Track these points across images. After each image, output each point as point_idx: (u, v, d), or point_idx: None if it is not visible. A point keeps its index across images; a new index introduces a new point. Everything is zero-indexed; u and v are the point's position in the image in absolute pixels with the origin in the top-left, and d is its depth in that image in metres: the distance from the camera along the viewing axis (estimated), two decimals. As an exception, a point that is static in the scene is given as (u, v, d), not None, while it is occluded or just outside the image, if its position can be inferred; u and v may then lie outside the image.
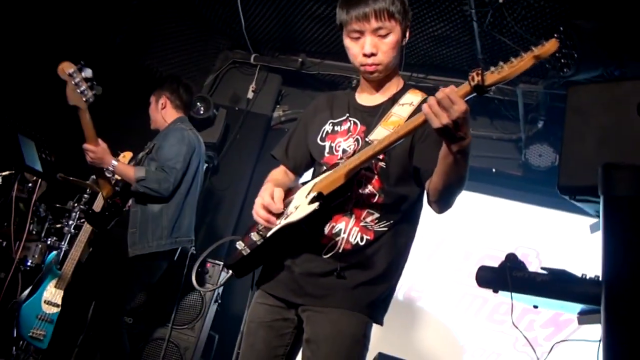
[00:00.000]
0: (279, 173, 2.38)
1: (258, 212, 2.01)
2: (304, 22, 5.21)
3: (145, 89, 4.25)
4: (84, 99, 3.15)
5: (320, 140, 2.20)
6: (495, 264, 2.53)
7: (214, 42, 6.00)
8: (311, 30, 5.31)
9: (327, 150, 2.17)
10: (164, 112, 3.99)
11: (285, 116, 6.02)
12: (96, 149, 3.44)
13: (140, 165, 3.76)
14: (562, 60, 3.48)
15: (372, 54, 2.03)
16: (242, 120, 5.90)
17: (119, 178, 3.69)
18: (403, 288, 4.87)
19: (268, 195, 2.02)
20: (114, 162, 3.53)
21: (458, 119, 1.58)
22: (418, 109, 2.00)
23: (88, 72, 3.12)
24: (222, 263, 4.40)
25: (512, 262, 2.39)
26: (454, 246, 5.06)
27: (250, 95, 5.95)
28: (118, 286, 3.55)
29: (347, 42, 2.09)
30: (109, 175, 3.59)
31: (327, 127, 2.21)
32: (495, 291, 2.46)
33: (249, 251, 2.05)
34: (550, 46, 1.53)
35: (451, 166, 1.75)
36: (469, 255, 4.99)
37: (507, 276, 2.34)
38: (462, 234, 5.04)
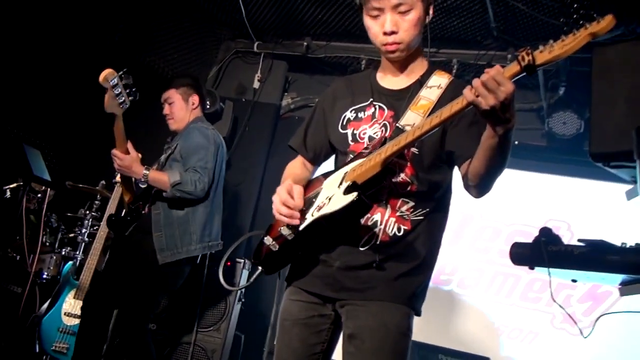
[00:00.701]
0: (297, 166, 2.37)
1: (279, 210, 1.99)
2: (307, 4, 5.20)
3: (147, 87, 4.24)
4: (121, 107, 3.21)
5: (342, 128, 2.18)
6: (525, 240, 2.53)
7: (215, 33, 6.01)
8: (314, 12, 5.30)
9: (350, 138, 2.15)
10: (193, 112, 3.97)
11: (294, 103, 6.02)
12: (124, 157, 3.47)
13: (164, 168, 3.76)
14: (581, 21, 3.45)
15: (393, 32, 2.01)
16: (250, 112, 5.91)
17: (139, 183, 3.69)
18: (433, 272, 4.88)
19: (285, 192, 2.01)
20: (145, 172, 3.52)
21: (505, 100, 1.59)
22: (447, 92, 2.03)
23: (129, 79, 3.18)
24: (242, 261, 4.43)
25: (547, 236, 2.39)
26: (480, 224, 5.05)
27: (256, 85, 5.96)
28: (142, 293, 3.57)
29: (367, 21, 2.07)
30: (140, 181, 3.57)
31: (349, 114, 2.19)
32: (532, 268, 2.46)
33: (278, 247, 2.04)
34: (607, 23, 1.50)
35: (495, 149, 1.75)
36: (498, 232, 4.98)
37: (542, 251, 2.34)
38: (488, 211, 5.03)
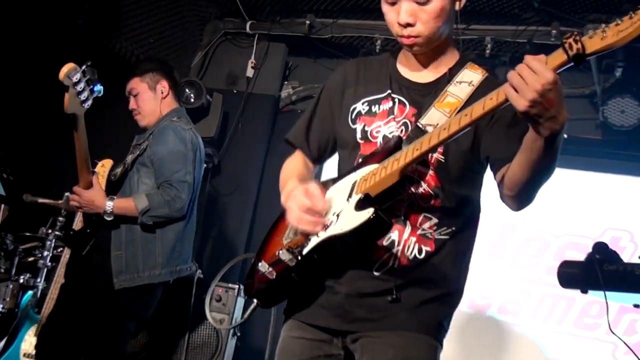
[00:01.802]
0: (299, 163, 2.35)
1: (303, 219, 1.97)
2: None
3: (117, 78, 4.26)
4: (83, 106, 3.22)
5: (352, 122, 2.18)
6: (579, 255, 2.53)
7: (199, 12, 6.03)
8: (318, -16, 5.33)
9: (359, 135, 2.14)
10: (164, 102, 3.93)
11: (296, 94, 6.04)
12: (82, 192, 3.55)
13: (129, 172, 3.77)
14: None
15: (408, 24, 1.99)
16: (243, 106, 5.93)
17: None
18: (467, 295, 4.87)
19: (304, 195, 1.99)
20: (109, 203, 3.55)
21: (545, 93, 1.56)
22: (480, 91, 2.00)
23: (93, 74, 3.20)
24: (236, 287, 4.43)
25: (602, 253, 2.38)
26: (524, 236, 5.03)
27: (250, 73, 5.97)
28: (105, 327, 3.56)
29: (384, 6, 2.07)
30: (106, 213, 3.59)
31: (360, 106, 2.18)
32: (584, 291, 2.46)
33: (276, 274, 2.03)
34: None
35: (539, 153, 1.72)
36: (545, 245, 4.96)
37: (597, 271, 2.34)
38: (533, 219, 5.01)
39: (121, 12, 5.29)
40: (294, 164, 2.36)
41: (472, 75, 2.07)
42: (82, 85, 3.15)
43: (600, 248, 2.44)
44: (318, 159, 2.36)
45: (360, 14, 5.48)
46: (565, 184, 4.90)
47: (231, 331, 4.42)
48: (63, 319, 3.67)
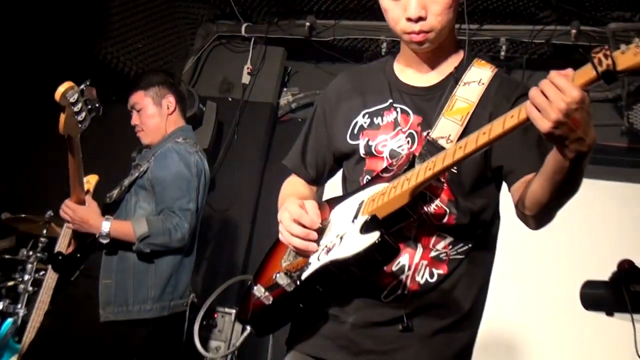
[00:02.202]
0: (298, 183, 2.37)
1: (291, 229, 1.96)
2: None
3: (103, 87, 4.25)
4: (79, 126, 3.19)
5: (351, 138, 2.16)
6: (603, 274, 2.51)
7: (190, 14, 6.04)
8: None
9: (363, 151, 2.13)
10: (170, 118, 3.92)
11: (296, 102, 6.04)
12: (77, 208, 3.50)
13: (127, 195, 3.74)
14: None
15: (420, 18, 1.97)
16: (239, 115, 5.93)
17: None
18: (490, 324, 4.85)
19: (297, 207, 1.99)
20: (106, 224, 3.51)
21: (571, 113, 1.52)
22: (491, 90, 2.01)
23: (92, 93, 3.18)
24: (233, 312, 4.42)
25: (628, 272, 2.36)
26: (540, 250, 4.99)
27: (246, 79, 5.99)
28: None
29: (385, 2, 2.05)
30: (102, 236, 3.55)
31: (361, 120, 2.16)
32: (610, 314, 2.44)
33: (272, 300, 2.02)
34: None
35: (563, 176, 1.70)
36: (566, 262, 4.92)
37: (623, 292, 2.31)
38: (551, 232, 4.97)
39: (106, 16, 5.29)
40: (293, 183, 2.37)
41: (480, 73, 2.06)
42: (79, 105, 3.12)
43: (627, 266, 2.41)
44: (317, 181, 2.37)
45: (364, 14, 5.49)
46: (589, 196, 4.87)
47: (228, 358, 4.40)
48: (46, 350, 3.65)
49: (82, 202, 3.55)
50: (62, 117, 3.14)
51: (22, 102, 5.36)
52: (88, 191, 3.71)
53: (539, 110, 1.55)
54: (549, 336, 4.90)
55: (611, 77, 1.51)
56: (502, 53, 5.14)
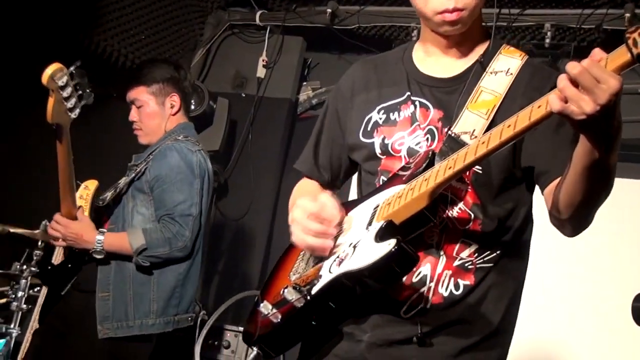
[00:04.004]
0: (312, 185, 2.40)
1: (308, 226, 1.98)
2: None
3: (101, 82, 4.28)
4: (70, 114, 3.22)
5: (365, 135, 2.19)
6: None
7: (198, 1, 6.09)
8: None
9: (379, 149, 2.15)
10: (173, 118, 3.95)
11: (316, 97, 6.04)
12: (68, 223, 3.57)
13: (123, 197, 3.78)
14: None
15: None
16: (253, 112, 5.97)
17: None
18: (524, 342, 4.85)
19: (311, 201, 2.01)
20: (99, 238, 3.57)
21: (608, 104, 1.50)
22: (521, 81, 2.02)
23: (83, 77, 3.20)
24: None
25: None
26: (598, 265, 4.99)
27: (261, 73, 6.03)
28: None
29: None
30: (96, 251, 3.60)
31: (376, 116, 2.18)
32: (665, 330, 2.44)
33: (281, 317, 2.02)
34: None
35: (596, 168, 1.70)
36: (602, 271, 4.91)
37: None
38: (607, 243, 4.97)
39: (105, 4, 5.34)
40: (306, 185, 2.41)
41: (508, 62, 2.07)
42: (69, 90, 3.13)
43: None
44: (332, 183, 2.39)
45: (391, -1, 5.51)
46: (621, 195, 4.88)
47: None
48: None
49: (72, 215, 3.60)
50: (50, 102, 3.15)
51: (13, 101, 5.42)
52: (80, 207, 3.74)
53: (573, 102, 1.52)
54: (593, 356, 4.92)
55: None
56: (547, 40, 5.13)
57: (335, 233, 1.99)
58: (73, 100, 3.18)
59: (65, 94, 3.13)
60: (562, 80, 1.53)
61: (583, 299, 4.98)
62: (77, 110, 3.24)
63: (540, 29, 5.17)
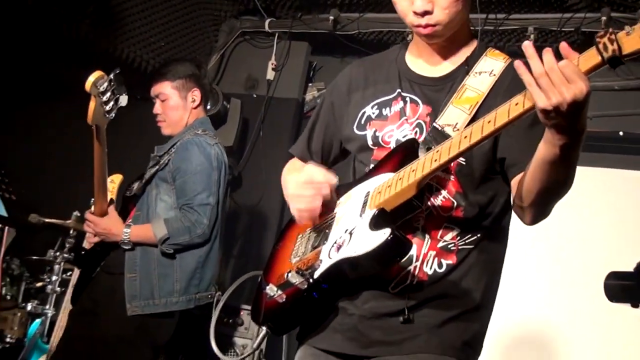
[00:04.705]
0: (299, 164, 2.40)
1: (303, 194, 2.02)
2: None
3: (128, 87, 4.30)
4: (107, 116, 3.30)
5: (358, 128, 2.20)
6: (630, 266, 2.52)
7: (213, 10, 6.10)
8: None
9: (371, 141, 2.16)
10: (194, 111, 3.99)
11: (321, 97, 6.03)
12: (98, 221, 3.65)
13: (147, 187, 3.81)
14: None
15: (426, 12, 1.98)
16: (264, 111, 5.99)
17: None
18: (511, 319, 4.85)
19: (301, 174, 2.05)
20: (126, 231, 3.63)
21: (574, 102, 1.53)
22: (503, 81, 2.01)
23: (120, 83, 3.26)
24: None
25: (654, 262, 2.37)
26: (566, 240, 4.98)
27: (270, 75, 6.04)
28: (120, 356, 3.59)
29: None
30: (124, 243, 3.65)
31: (369, 110, 2.19)
32: (635, 305, 2.44)
33: (285, 298, 2.03)
34: None
35: (556, 162, 1.70)
36: (594, 253, 4.88)
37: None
38: (582, 227, 4.96)
39: (127, 14, 5.36)
40: (294, 164, 2.43)
41: (492, 64, 2.07)
42: (108, 95, 3.21)
43: (652, 256, 2.42)
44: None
45: (388, 6, 5.41)
46: (620, 187, 4.86)
47: (255, 355, 4.44)
48: (74, 349, 3.70)
49: (104, 210, 3.68)
50: (91, 106, 3.24)
51: (45, 105, 5.44)
52: (112, 201, 3.79)
53: (542, 91, 1.54)
54: (574, 330, 4.92)
55: (617, 62, 1.50)
56: (531, 42, 5.10)
57: (328, 192, 2.01)
58: (111, 104, 3.25)
59: (104, 98, 3.20)
60: (538, 70, 1.56)
61: (558, 279, 5.00)
62: (114, 113, 3.30)
63: (524, 32, 5.15)
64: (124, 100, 3.31)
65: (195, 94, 3.97)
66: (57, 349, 4.04)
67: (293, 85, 6.07)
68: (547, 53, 1.56)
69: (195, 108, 3.98)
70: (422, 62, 2.19)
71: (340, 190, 2.14)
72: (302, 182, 2.03)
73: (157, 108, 3.95)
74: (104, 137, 3.39)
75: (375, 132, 2.15)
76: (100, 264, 3.73)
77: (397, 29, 5.52)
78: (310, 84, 6.17)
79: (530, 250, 4.79)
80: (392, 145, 2.10)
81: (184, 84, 3.95)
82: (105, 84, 3.17)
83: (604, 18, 4.82)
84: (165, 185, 3.76)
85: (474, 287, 2.05)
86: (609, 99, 5.05)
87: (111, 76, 3.19)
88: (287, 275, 2.02)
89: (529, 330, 4.98)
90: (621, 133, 5.04)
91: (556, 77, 1.53)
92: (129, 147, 5.29)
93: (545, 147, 1.70)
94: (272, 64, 6.04)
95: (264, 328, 2.10)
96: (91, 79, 3.13)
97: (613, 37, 1.48)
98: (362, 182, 2.07)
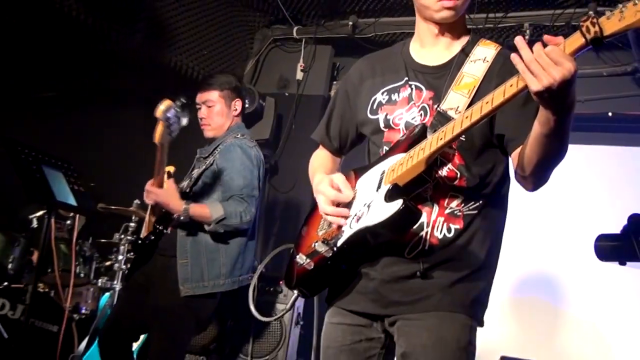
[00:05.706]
0: (324, 157, 2.44)
1: (326, 210, 2.04)
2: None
3: (176, 92, 4.33)
4: (170, 137, 3.38)
5: (371, 112, 2.20)
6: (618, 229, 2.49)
7: (247, 22, 6.14)
8: (358, -16, 5.34)
9: (382, 124, 2.16)
10: (235, 118, 4.01)
11: (336, 88, 6.05)
12: (159, 192, 3.60)
13: (196, 184, 3.81)
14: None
15: None
16: (295, 107, 6.01)
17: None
18: (518, 278, 4.82)
19: (329, 187, 2.05)
20: (186, 206, 3.58)
21: (562, 82, 1.55)
22: (495, 67, 2.01)
23: (184, 109, 3.34)
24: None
25: (637, 225, 2.34)
26: (569, 214, 4.94)
27: (299, 75, 6.06)
28: (169, 330, 3.60)
29: None
30: (180, 218, 3.61)
31: (380, 97, 2.20)
32: (622, 263, 2.42)
33: (313, 265, 2.06)
34: None
35: (551, 135, 1.72)
36: (589, 221, 4.84)
37: (633, 243, 2.30)
38: (577, 197, 4.92)
39: (174, 27, 5.41)
40: (320, 156, 2.45)
41: (485, 52, 2.07)
42: (174, 119, 3.29)
43: (636, 220, 2.39)
44: (339, 150, 2.42)
45: (400, 11, 5.49)
46: (609, 161, 4.82)
47: (294, 320, 4.48)
48: (125, 313, 3.74)
49: (162, 185, 3.65)
50: (159, 130, 3.35)
51: (108, 107, 5.50)
52: (169, 173, 3.80)
53: (534, 75, 1.57)
54: (569, 284, 4.92)
55: (599, 42, 1.51)
56: (527, 37, 5.06)
57: (348, 213, 2.02)
58: (175, 126, 3.33)
59: (170, 122, 3.30)
60: (528, 57, 1.58)
61: (554, 241, 4.99)
62: (176, 133, 3.35)
63: (521, 28, 5.11)
64: (185, 122, 3.39)
65: (238, 104, 3.99)
66: (110, 315, 4.09)
67: (319, 83, 6.09)
68: (536, 44, 1.58)
69: (237, 116, 4.01)
70: (425, 53, 2.18)
71: (359, 172, 2.15)
72: (331, 196, 2.05)
73: (203, 112, 3.95)
74: (166, 152, 3.47)
75: (386, 115, 2.15)
76: (154, 250, 3.73)
77: (409, 30, 5.46)
78: (334, 82, 6.17)
79: (529, 218, 4.76)
80: (402, 126, 2.11)
81: (229, 94, 3.96)
82: (172, 111, 3.26)
83: (590, 12, 4.74)
84: (211, 183, 3.77)
85: (479, 250, 2.05)
86: (598, 84, 5.03)
87: (179, 104, 3.27)
88: (315, 245, 2.05)
89: (530, 288, 4.96)
90: (610, 114, 5.00)
91: (544, 61, 1.55)
92: (175, 148, 5.35)
93: (541, 123, 1.72)
94: (300, 66, 6.06)
95: (296, 292, 2.12)
96: (161, 107, 3.24)
97: (595, 20, 1.50)
98: (378, 164, 2.07)
